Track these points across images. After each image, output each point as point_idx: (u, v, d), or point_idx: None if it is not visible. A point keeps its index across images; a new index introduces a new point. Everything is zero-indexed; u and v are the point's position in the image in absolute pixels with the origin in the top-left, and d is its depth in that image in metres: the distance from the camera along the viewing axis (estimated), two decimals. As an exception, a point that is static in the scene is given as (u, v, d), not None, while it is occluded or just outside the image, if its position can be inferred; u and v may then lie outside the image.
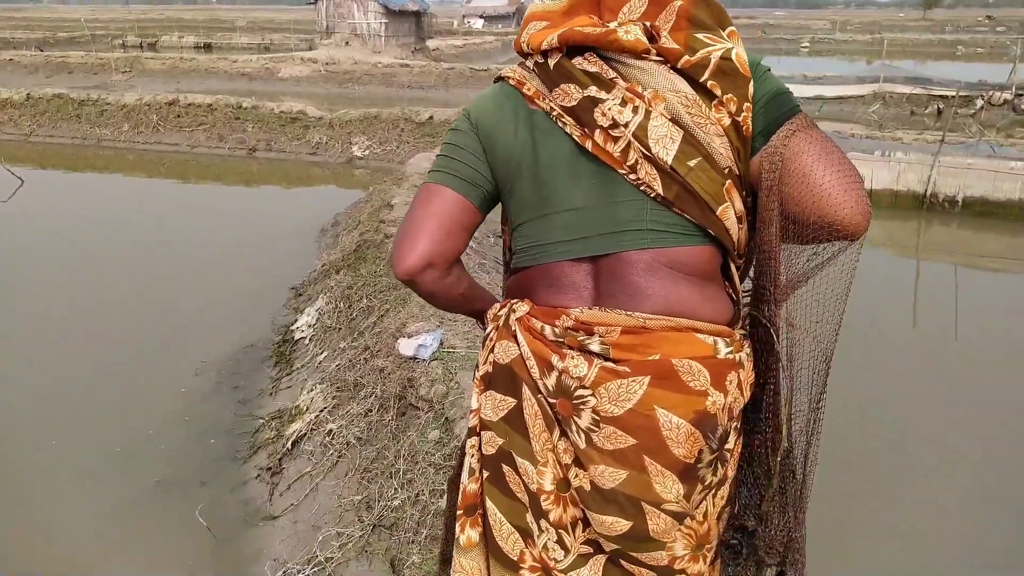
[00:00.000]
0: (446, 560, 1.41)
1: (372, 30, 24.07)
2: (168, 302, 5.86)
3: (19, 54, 23.57)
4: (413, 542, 2.53)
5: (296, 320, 5.12)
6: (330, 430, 3.38)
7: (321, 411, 3.59)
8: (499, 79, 1.24)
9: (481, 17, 50.16)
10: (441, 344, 3.44)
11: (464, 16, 51.61)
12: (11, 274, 6.49)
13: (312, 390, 3.91)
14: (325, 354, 4.33)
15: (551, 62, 1.15)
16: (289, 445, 3.51)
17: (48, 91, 13.10)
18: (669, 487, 1.12)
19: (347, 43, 24.25)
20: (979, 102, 14.95)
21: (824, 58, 35.21)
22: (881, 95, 16.05)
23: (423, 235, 1.18)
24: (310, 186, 10.69)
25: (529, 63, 1.20)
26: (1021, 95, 15.21)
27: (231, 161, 11.38)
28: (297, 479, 3.31)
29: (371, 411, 3.32)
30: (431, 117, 11.12)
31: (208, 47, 34.82)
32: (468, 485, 1.28)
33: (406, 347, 3.37)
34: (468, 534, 1.27)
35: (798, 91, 15.01)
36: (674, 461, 1.11)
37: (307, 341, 4.70)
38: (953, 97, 13.13)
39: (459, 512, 1.29)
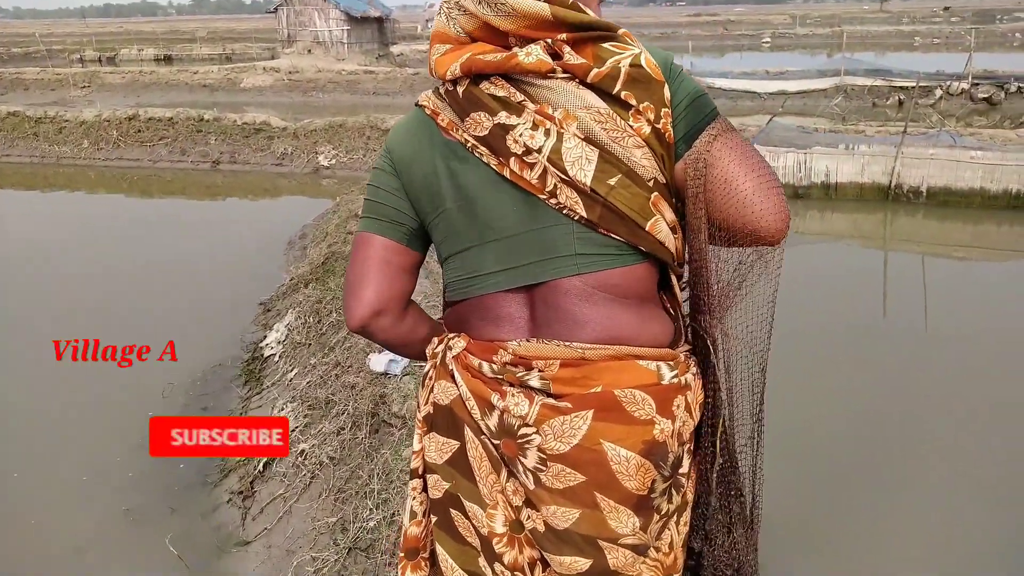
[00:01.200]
0: None
1: (334, 37, 23.87)
2: (132, 322, 5.73)
3: (-28, 72, 23.06)
4: (390, 564, 2.47)
5: (265, 337, 5.03)
6: (302, 450, 3.31)
7: (292, 431, 3.50)
8: (418, 105, 1.19)
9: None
10: (413, 357, 3.38)
11: (427, 20, 51.45)
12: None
13: (283, 409, 3.83)
14: (295, 371, 4.25)
15: (459, 89, 1.10)
16: (260, 467, 3.42)
17: (2, 109, 12.80)
18: (624, 521, 1.08)
19: (309, 51, 24.05)
20: (938, 92, 15.22)
21: (786, 53, 35.65)
22: (843, 88, 16.28)
23: (366, 285, 1.17)
24: (276, 197, 10.56)
25: (441, 89, 1.15)
26: (977, 84, 15.51)
27: (195, 175, 11.20)
28: (270, 502, 3.23)
29: (343, 429, 3.25)
30: (397, 124, 11.02)
31: (168, 59, 34.37)
32: (409, 528, 1.26)
33: (377, 363, 3.30)
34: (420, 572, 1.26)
35: (761, 87, 15.22)
36: (627, 495, 1.08)
37: (276, 358, 4.61)
38: (913, 88, 13.33)
39: (400, 555, 1.27)
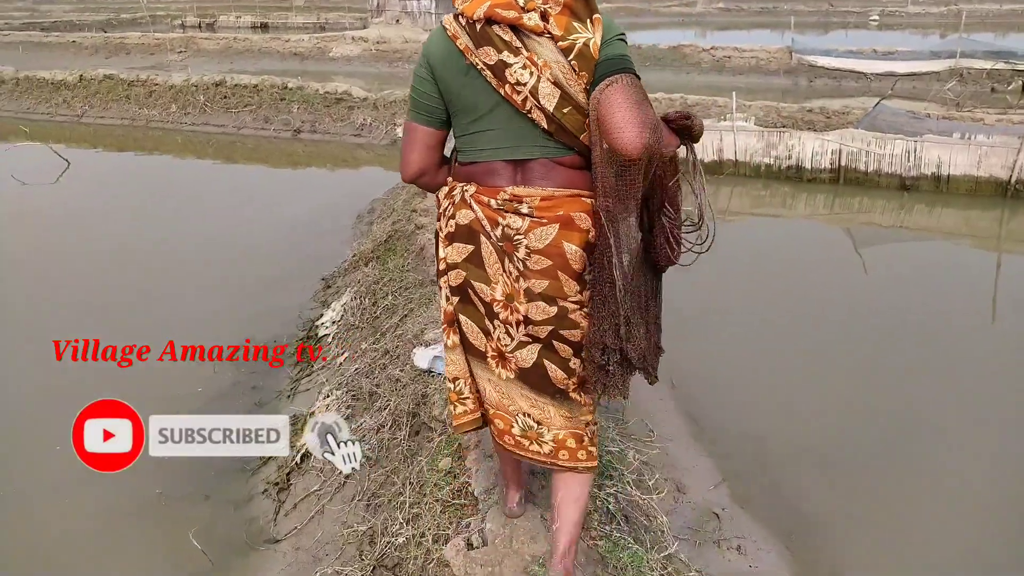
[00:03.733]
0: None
1: (422, 7, 23.70)
2: (199, 290, 5.71)
3: (81, 36, 23.98)
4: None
5: (322, 315, 4.87)
6: (341, 445, 3.10)
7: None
8: (441, 26, 1.78)
9: (536, -7, 49.35)
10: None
11: None
12: (42, 259, 6.41)
13: (328, 396, 3.65)
14: (346, 354, 4.06)
15: (478, 26, 1.68)
16: (299, 459, 3.25)
17: (100, 72, 13.17)
18: (571, 287, 1.78)
19: (397, 21, 23.98)
20: (1069, 78, 13.84)
21: (896, 32, 33.31)
22: (958, 71, 15.02)
23: (413, 156, 1.84)
24: (356, 167, 10.48)
25: (461, 21, 1.71)
26: (1116, 70, 14.04)
27: (276, 143, 11.24)
28: (303, 498, 3.05)
29: (383, 427, 3.03)
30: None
31: (264, 27, 34.96)
32: (445, 307, 1.94)
33: (421, 358, 3.06)
34: (452, 338, 1.96)
35: (867, 67, 14.15)
36: (573, 272, 1.76)
37: (330, 339, 4.44)
38: (1040, 73, 12.14)
39: (444, 325, 1.95)
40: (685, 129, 1.80)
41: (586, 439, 1.94)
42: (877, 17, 38.65)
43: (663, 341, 1.97)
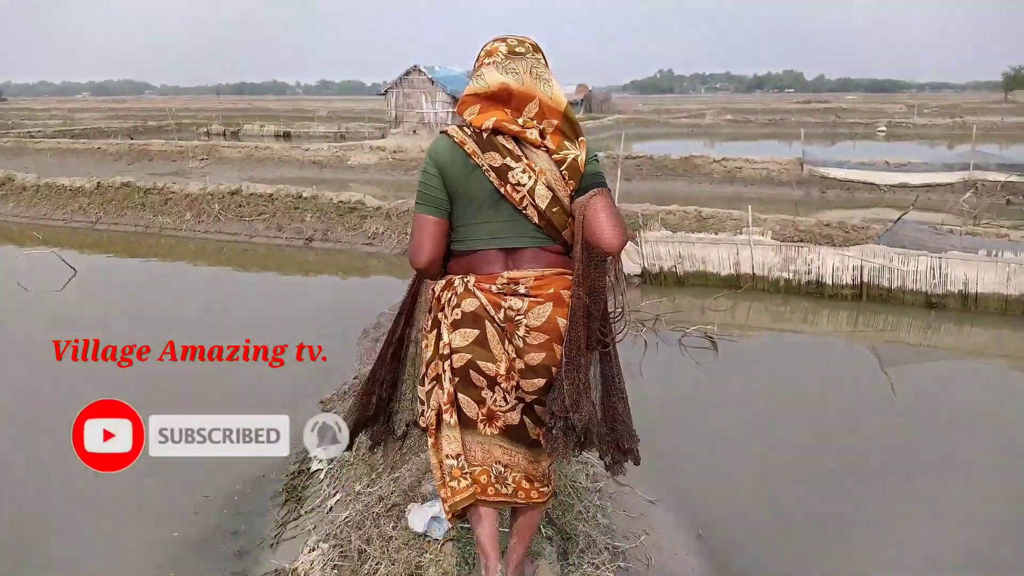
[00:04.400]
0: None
1: (439, 118, 24.40)
2: (188, 407, 5.38)
3: (107, 143, 24.75)
4: None
5: (316, 446, 4.53)
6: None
7: (318, 584, 2.93)
8: (444, 132, 2.13)
9: (550, 104, 50.96)
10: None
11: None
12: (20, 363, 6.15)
13: (314, 549, 3.26)
14: (338, 497, 3.70)
15: (484, 135, 2.06)
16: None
17: (117, 180, 13.37)
18: (559, 355, 2.08)
19: (415, 131, 24.64)
20: (1086, 191, 13.76)
21: (903, 143, 33.97)
22: (972, 183, 15.00)
23: (425, 243, 2.10)
24: (366, 276, 10.35)
25: (467, 130, 2.08)
26: None
27: (288, 251, 11.20)
28: None
29: (371, 598, 2.64)
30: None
31: (287, 136, 36.12)
32: (448, 389, 2.13)
33: (417, 519, 2.71)
34: (452, 418, 2.14)
35: (880, 178, 14.13)
36: (560, 341, 2.08)
37: (322, 475, 4.09)
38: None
39: (446, 406, 2.13)
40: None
41: (537, 481, 2.27)
42: (884, 128, 39.47)
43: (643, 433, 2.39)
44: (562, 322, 2.05)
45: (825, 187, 16.54)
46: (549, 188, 2.04)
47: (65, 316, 8.04)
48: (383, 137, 28.47)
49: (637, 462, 2.31)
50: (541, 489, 2.27)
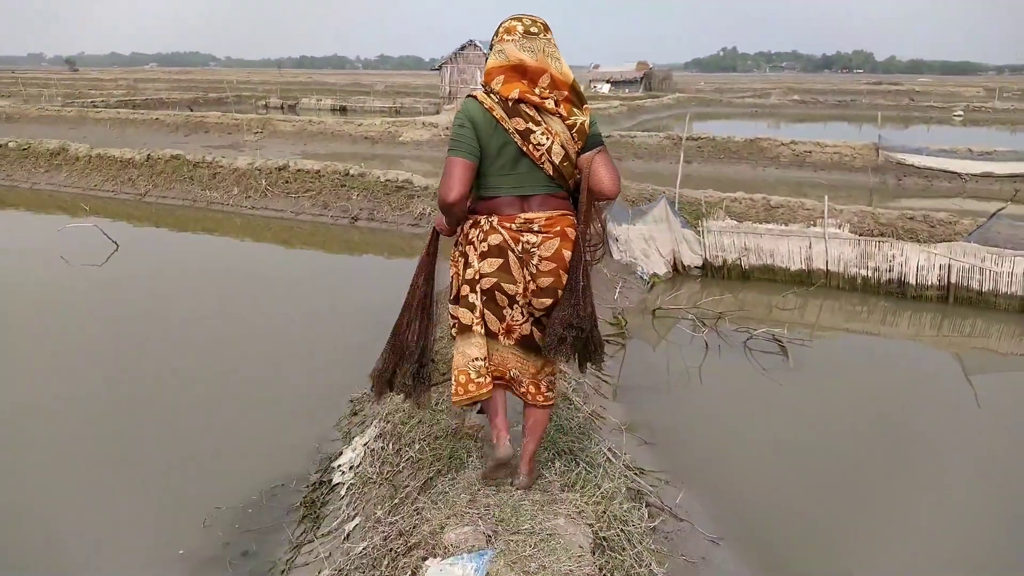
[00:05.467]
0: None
1: (495, 95, 23.86)
2: (214, 401, 5.07)
3: (165, 113, 24.88)
4: None
5: (341, 452, 4.13)
6: None
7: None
8: (472, 96, 2.62)
9: (608, 82, 49.78)
10: None
11: (591, 81, 51.41)
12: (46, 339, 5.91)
13: (325, 586, 2.85)
14: (357, 521, 3.29)
15: (510, 103, 2.53)
16: None
17: (167, 152, 13.22)
18: (563, 279, 2.62)
19: (470, 107, 24.13)
20: None
21: (982, 128, 32.04)
22: (1067, 174, 13.82)
23: (455, 184, 2.52)
24: (411, 257, 9.90)
25: (494, 97, 2.56)
26: None
27: (334, 229, 10.87)
28: None
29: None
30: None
31: (343, 110, 36.02)
32: (478, 306, 2.66)
33: (435, 577, 2.25)
34: (479, 329, 2.67)
35: (962, 167, 13.07)
36: (567, 270, 2.62)
37: (343, 492, 3.68)
38: None
39: (476, 319, 2.66)
40: None
41: (543, 387, 2.83)
42: (961, 113, 37.30)
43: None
44: (567, 253, 2.61)
45: (902, 175, 15.49)
46: (562, 147, 2.56)
47: (104, 293, 7.84)
48: (437, 113, 28.05)
49: (587, 369, 2.89)
50: (547, 394, 2.86)
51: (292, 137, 22.07)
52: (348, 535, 3.25)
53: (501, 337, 2.73)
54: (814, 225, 8.02)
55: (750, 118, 37.07)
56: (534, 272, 2.61)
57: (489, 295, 2.65)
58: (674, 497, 3.70)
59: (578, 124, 2.55)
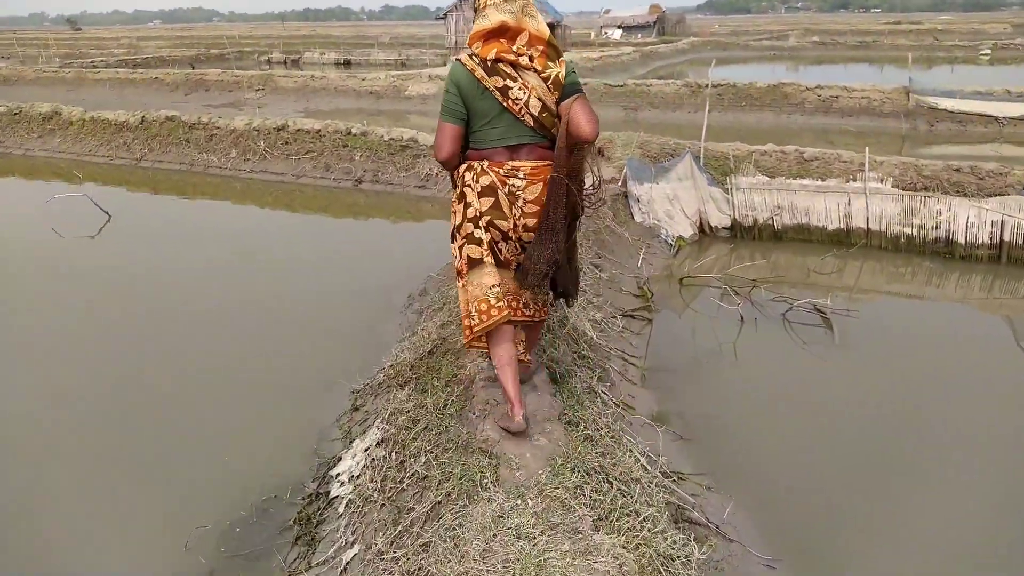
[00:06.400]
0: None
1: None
2: (201, 405, 4.63)
3: (165, 72, 24.15)
4: None
5: (340, 458, 3.68)
6: None
7: None
8: (458, 60, 2.89)
9: (619, 28, 48.24)
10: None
11: (602, 27, 49.88)
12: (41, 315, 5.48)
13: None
14: (355, 551, 2.84)
15: (488, 62, 2.81)
16: None
17: (161, 114, 12.62)
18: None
19: (478, 58, 23.24)
20: None
21: (1010, 67, 30.69)
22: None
23: (445, 144, 2.92)
24: (419, 221, 9.41)
25: (476, 59, 2.83)
26: None
27: (336, 192, 10.32)
28: None
29: None
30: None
31: (348, 64, 35.03)
32: (486, 239, 2.96)
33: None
34: (489, 259, 2.97)
35: (999, 109, 12.30)
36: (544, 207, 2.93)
37: (340, 510, 3.23)
38: None
39: (486, 251, 2.96)
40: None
41: (542, 302, 3.21)
42: (988, 51, 35.76)
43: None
44: (548, 196, 2.87)
45: (934, 120, 14.67)
46: (539, 99, 2.81)
47: (94, 268, 7.39)
48: (443, 65, 27.11)
49: (572, 304, 3.35)
50: (544, 308, 3.22)
51: (294, 94, 21.38)
52: (346, 567, 2.81)
53: (507, 268, 3.06)
54: (852, 180, 7.40)
55: (768, 61, 35.81)
56: (522, 212, 2.93)
57: (488, 230, 2.96)
58: (720, 510, 3.23)
59: (552, 76, 2.81)
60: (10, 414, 4.52)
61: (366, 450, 3.54)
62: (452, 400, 3.37)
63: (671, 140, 8.92)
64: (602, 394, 3.87)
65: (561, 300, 3.27)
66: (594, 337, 4.66)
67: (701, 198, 7.54)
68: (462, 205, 2.96)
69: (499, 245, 2.99)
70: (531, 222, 2.92)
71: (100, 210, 8.83)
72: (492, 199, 2.89)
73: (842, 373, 4.93)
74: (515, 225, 2.94)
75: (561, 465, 2.75)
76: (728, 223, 7.55)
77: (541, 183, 2.87)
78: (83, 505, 3.64)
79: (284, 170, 10.98)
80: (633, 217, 7.32)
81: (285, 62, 36.05)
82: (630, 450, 3.21)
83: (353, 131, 10.88)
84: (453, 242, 3.04)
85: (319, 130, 11.10)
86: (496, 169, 2.88)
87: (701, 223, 7.61)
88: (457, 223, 2.99)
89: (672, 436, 3.94)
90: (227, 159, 11.48)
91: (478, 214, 2.91)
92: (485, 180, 2.89)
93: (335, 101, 20.59)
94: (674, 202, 7.48)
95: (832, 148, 8.61)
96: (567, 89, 2.81)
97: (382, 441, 3.44)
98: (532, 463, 2.75)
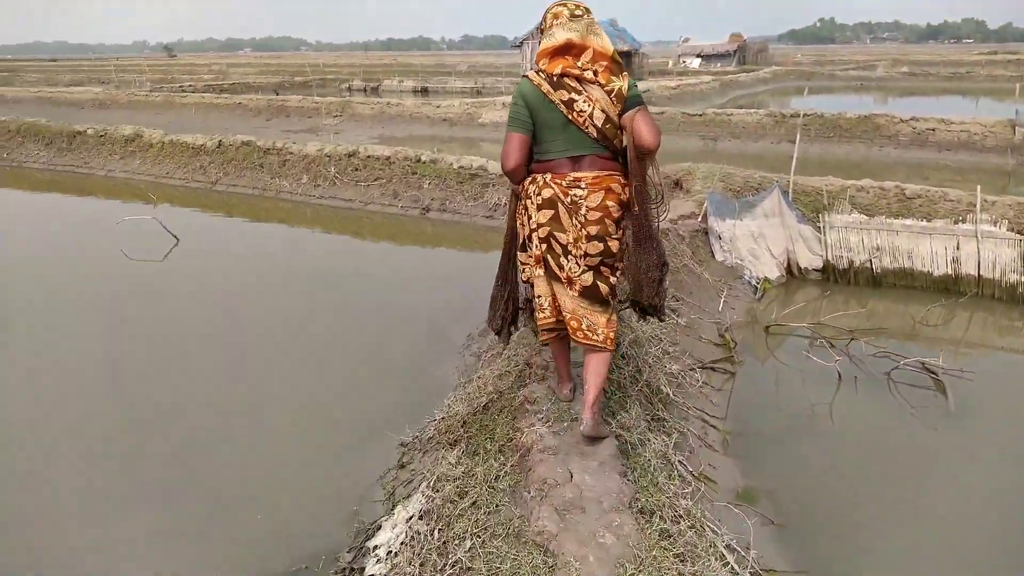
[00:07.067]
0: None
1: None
2: (240, 454, 4.32)
3: (248, 98, 24.79)
4: None
5: (380, 528, 3.28)
6: None
7: None
8: (525, 77, 3.01)
9: (699, 56, 47.49)
10: None
11: (680, 55, 49.23)
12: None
13: None
14: (384, 653, 2.42)
15: (554, 77, 2.93)
16: None
17: (237, 139, 12.74)
18: (612, 228, 3.05)
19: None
20: None
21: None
22: None
23: (511, 154, 3.01)
24: (485, 251, 9.04)
25: (542, 74, 2.95)
26: None
27: (403, 221, 10.09)
28: None
29: None
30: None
31: (424, 91, 35.44)
32: (534, 252, 3.14)
33: None
34: (539, 271, 3.17)
35: None
36: (613, 219, 3.04)
37: (374, 594, 2.82)
38: None
39: (533, 263, 3.18)
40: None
41: (614, 332, 3.22)
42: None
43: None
44: (610, 203, 3.01)
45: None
46: (603, 111, 2.93)
47: (158, 291, 7.29)
48: (520, 92, 27.01)
49: (662, 319, 3.45)
50: (614, 338, 3.24)
51: (370, 120, 21.56)
52: (372, 674, 2.39)
53: (566, 286, 3.14)
54: (961, 221, 6.67)
55: (855, 92, 34.49)
56: (583, 221, 3.01)
57: (547, 243, 3.09)
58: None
59: (615, 89, 2.92)
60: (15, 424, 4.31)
61: (408, 520, 3.13)
62: (505, 472, 2.93)
63: (756, 173, 8.34)
64: (679, 466, 3.37)
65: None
66: (670, 394, 4.15)
67: (789, 237, 6.93)
68: (526, 217, 3.13)
69: (560, 261, 3.08)
70: (594, 230, 3.01)
71: (169, 233, 8.80)
72: (552, 212, 3.01)
73: (961, 447, 4.27)
74: (576, 239, 3.02)
75: None
76: (819, 264, 6.91)
77: (603, 191, 2.98)
78: (87, 566, 3.34)
79: (353, 196, 10.85)
80: (714, 256, 6.77)
81: (365, 90, 36.76)
82: (714, 543, 2.70)
83: (422, 159, 10.67)
84: (523, 252, 3.26)
85: (388, 157, 10.94)
86: (558, 182, 2.99)
87: (789, 264, 6.99)
88: (522, 237, 3.21)
89: (760, 518, 3.39)
90: (298, 184, 11.43)
91: (536, 226, 3.07)
92: (547, 193, 3.01)
93: (410, 128, 20.65)
94: (759, 240, 6.90)
95: (927, 184, 7.89)
96: (629, 102, 2.92)
97: (425, 513, 3.02)
98: (596, 569, 2.27)
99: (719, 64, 45.08)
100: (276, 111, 23.28)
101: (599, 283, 3.09)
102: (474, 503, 2.82)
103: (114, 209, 11.21)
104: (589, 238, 3.00)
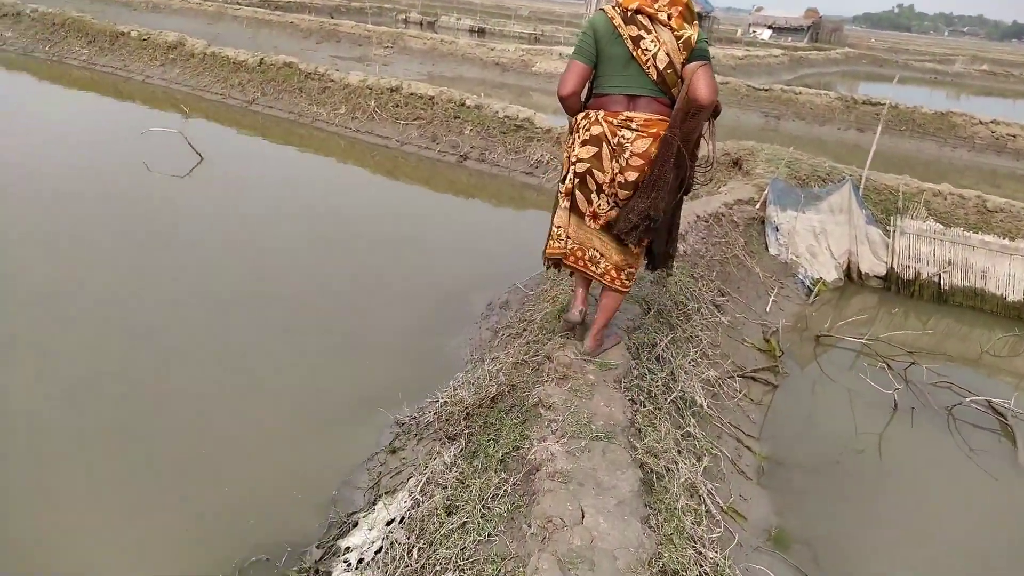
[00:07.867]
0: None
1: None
2: (207, 421, 3.94)
3: (300, 18, 24.13)
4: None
5: (356, 524, 2.87)
6: None
7: None
8: (601, 9, 2.99)
9: (769, 28, 45.55)
10: None
11: (750, 25, 47.30)
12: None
13: None
14: None
15: (629, 12, 2.92)
16: None
17: (280, 58, 12.19)
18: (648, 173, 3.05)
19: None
20: None
21: None
22: None
23: (569, 81, 3.02)
24: (520, 210, 8.53)
25: (617, 8, 2.95)
26: None
27: (439, 166, 9.57)
28: None
29: None
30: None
31: (482, 32, 34.38)
32: (567, 185, 3.16)
33: None
34: (566, 202, 3.19)
35: None
36: (651, 164, 3.00)
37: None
38: None
39: (565, 195, 3.18)
40: (717, 110, 3.00)
41: (624, 274, 3.30)
42: None
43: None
44: (655, 151, 2.97)
45: None
46: (667, 55, 2.89)
47: (173, 209, 6.91)
48: (578, 45, 26.00)
49: (669, 271, 3.58)
50: (624, 280, 3.32)
51: (421, 55, 20.84)
52: None
53: (588, 220, 3.22)
54: (1048, 243, 6.00)
55: (928, 85, 32.85)
56: (623, 165, 3.02)
57: (582, 179, 3.13)
58: None
59: (685, 36, 2.89)
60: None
61: (388, 523, 2.71)
62: (505, 491, 2.48)
63: (825, 161, 7.65)
64: (707, 498, 2.90)
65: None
66: (704, 405, 3.67)
67: (855, 237, 6.30)
68: (571, 151, 3.16)
69: (591, 197, 3.15)
70: (631, 176, 3.02)
71: (194, 151, 8.39)
72: (596, 150, 3.04)
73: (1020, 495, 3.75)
74: (612, 179, 3.06)
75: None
76: (882, 272, 6.29)
77: (650, 138, 2.96)
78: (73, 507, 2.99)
79: (390, 134, 10.32)
80: (767, 248, 6.18)
81: (421, 23, 35.76)
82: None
83: (467, 103, 10.08)
84: (562, 183, 3.26)
85: (432, 97, 10.37)
86: (610, 119, 3.01)
87: (849, 267, 6.38)
88: (565, 166, 3.23)
89: (793, 570, 2.93)
90: (335, 114, 10.92)
91: (576, 160, 3.11)
92: (596, 130, 3.03)
93: (460, 68, 19.92)
94: (820, 237, 6.29)
95: (999, 192, 7.16)
96: (696, 53, 2.90)
97: (407, 520, 2.60)
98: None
99: (790, 39, 43.20)
100: (327, 35, 22.63)
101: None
102: (464, 524, 2.38)
103: (147, 118, 10.81)
104: (625, 184, 3.04)
